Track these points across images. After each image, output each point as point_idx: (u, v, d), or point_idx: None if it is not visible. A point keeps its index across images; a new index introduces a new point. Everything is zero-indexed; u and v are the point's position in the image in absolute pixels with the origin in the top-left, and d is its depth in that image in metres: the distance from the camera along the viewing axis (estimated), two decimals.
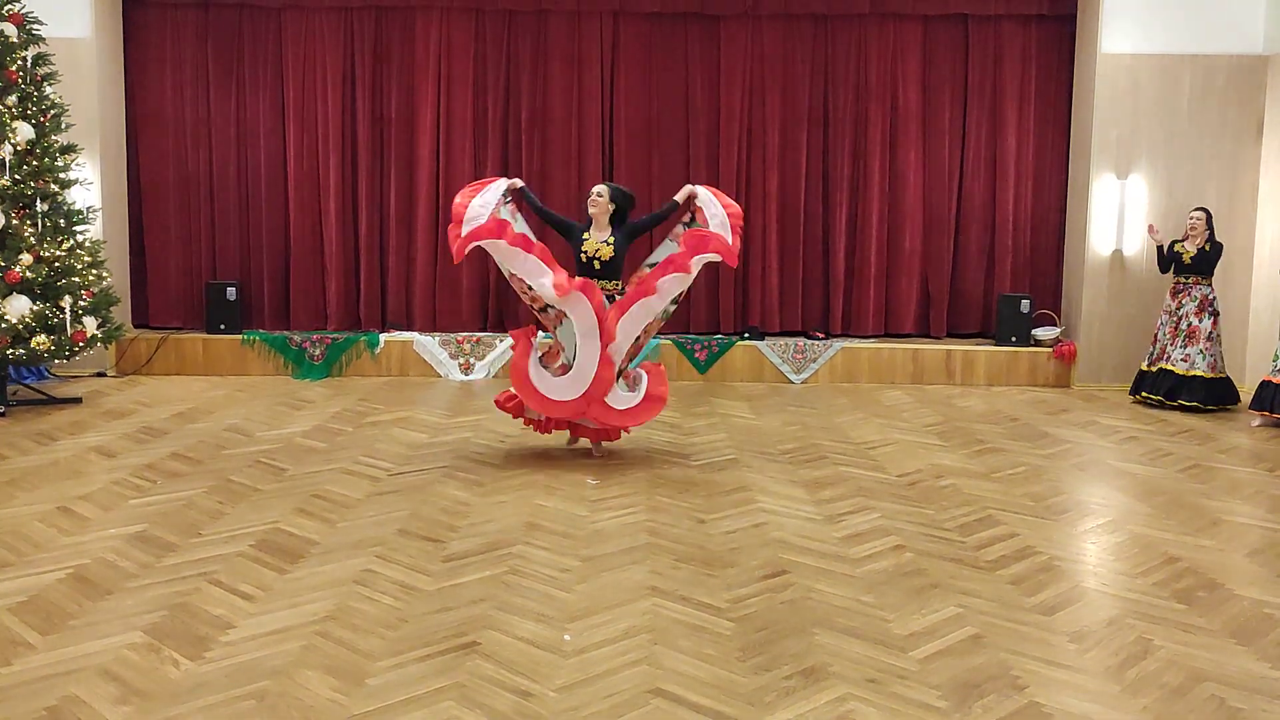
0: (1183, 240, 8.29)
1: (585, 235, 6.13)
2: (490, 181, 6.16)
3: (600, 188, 6.21)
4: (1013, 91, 9.58)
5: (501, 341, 9.24)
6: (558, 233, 6.38)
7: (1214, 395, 8.04)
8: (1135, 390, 8.45)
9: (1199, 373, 8.02)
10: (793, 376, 9.24)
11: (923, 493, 5.69)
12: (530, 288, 5.94)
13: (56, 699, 3.23)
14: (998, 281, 9.73)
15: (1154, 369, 8.28)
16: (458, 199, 5.99)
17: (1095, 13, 8.95)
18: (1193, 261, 8.17)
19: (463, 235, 5.86)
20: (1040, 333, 9.34)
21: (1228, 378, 8.17)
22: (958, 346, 9.33)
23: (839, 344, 9.31)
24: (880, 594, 4.17)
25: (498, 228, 5.86)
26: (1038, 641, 3.74)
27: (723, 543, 4.77)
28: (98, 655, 3.53)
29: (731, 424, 7.41)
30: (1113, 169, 9.00)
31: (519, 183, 6.23)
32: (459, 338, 9.28)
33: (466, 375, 9.20)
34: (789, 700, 3.28)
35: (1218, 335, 8.13)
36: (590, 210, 6.17)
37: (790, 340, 9.40)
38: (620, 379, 6.16)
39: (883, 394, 8.73)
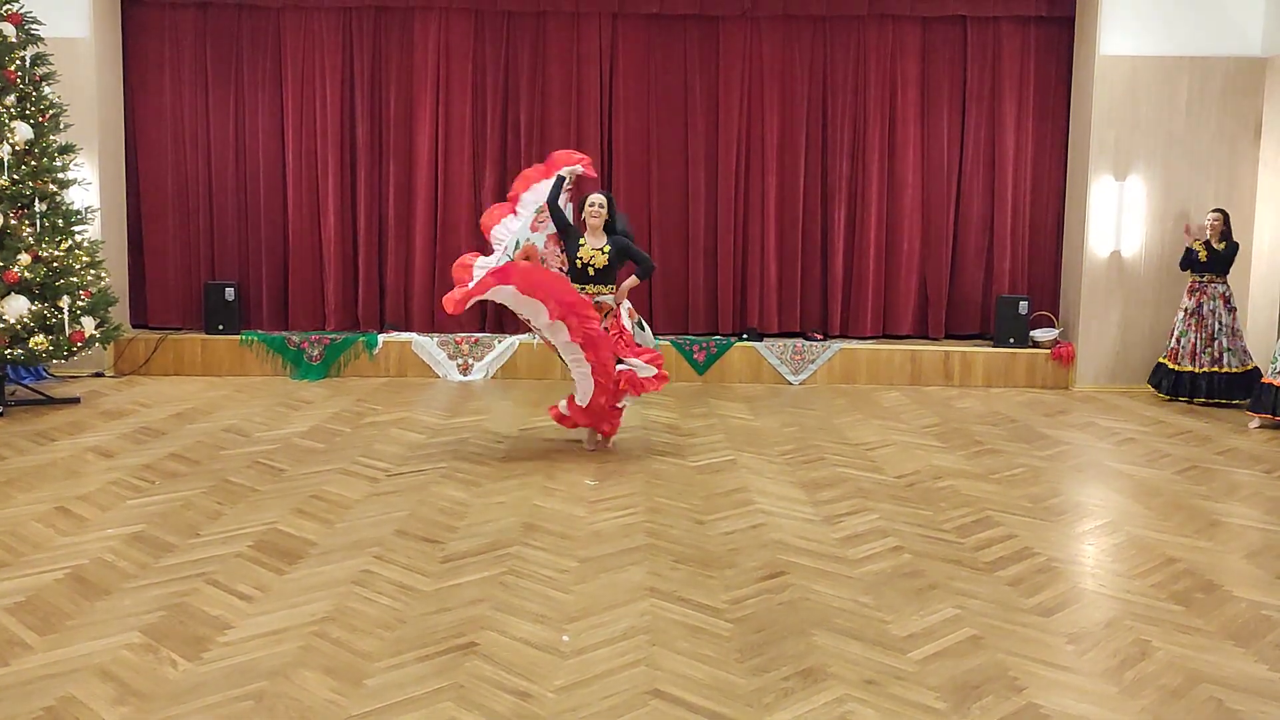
0: (1199, 240, 8.45)
1: (582, 241, 6.36)
2: (509, 210, 6.46)
3: (599, 197, 6.41)
4: (1011, 93, 9.59)
5: (500, 342, 9.24)
6: (557, 230, 6.49)
7: (1239, 391, 8.28)
8: (1159, 386, 8.58)
9: (1233, 369, 8.28)
10: (791, 378, 9.24)
11: (921, 494, 5.69)
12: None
13: (54, 699, 3.23)
14: (996, 283, 9.74)
15: (1184, 368, 8.41)
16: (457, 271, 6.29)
17: (1094, 14, 8.96)
18: (1209, 260, 8.37)
19: (467, 289, 6.00)
20: (1038, 334, 9.35)
21: (1257, 368, 8.34)
22: (956, 348, 9.33)
23: (837, 345, 9.31)
24: (878, 595, 4.17)
25: (500, 274, 5.93)
26: (1036, 643, 3.75)
27: (721, 544, 4.78)
28: (95, 655, 3.52)
29: (730, 425, 7.41)
30: (1111, 170, 9.00)
31: (577, 172, 6.46)
32: (457, 338, 9.28)
33: (465, 376, 9.20)
34: (787, 701, 3.28)
35: (1240, 330, 8.43)
36: (590, 220, 6.39)
37: (788, 341, 9.40)
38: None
39: (881, 395, 8.74)
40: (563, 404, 6.39)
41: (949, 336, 9.81)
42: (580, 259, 6.30)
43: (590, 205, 6.37)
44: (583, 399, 6.19)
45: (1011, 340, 9.27)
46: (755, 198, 9.65)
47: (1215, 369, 8.30)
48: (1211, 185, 8.93)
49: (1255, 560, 4.71)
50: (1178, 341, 8.48)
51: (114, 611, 3.90)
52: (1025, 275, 9.76)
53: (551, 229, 6.51)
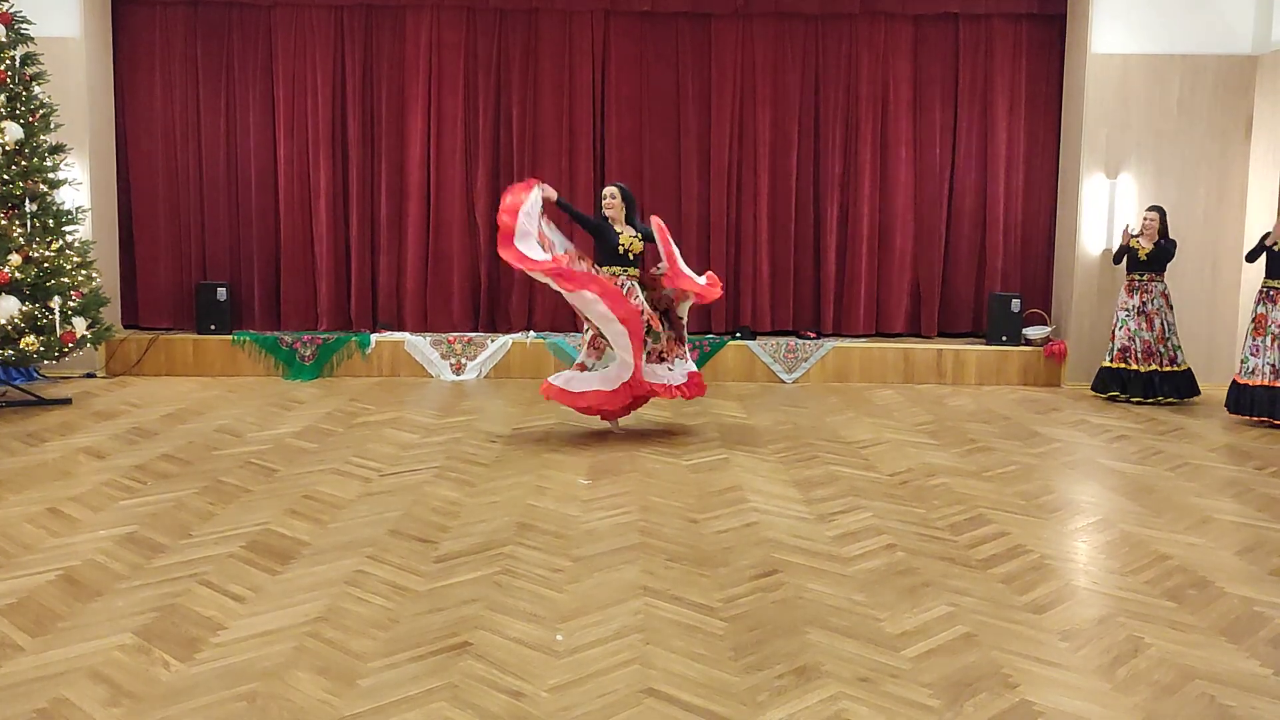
0: (1137, 237, 8.46)
1: (619, 230, 6.76)
2: (526, 188, 6.46)
3: (612, 189, 6.85)
4: (1003, 90, 9.61)
5: (493, 341, 9.23)
6: (590, 231, 6.89)
7: (1184, 388, 8.37)
8: (1103, 389, 8.55)
9: (1174, 368, 8.33)
10: (784, 376, 9.25)
11: (914, 492, 5.70)
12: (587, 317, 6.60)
13: (46, 701, 3.21)
14: (988, 281, 9.76)
15: (1123, 367, 8.43)
16: (504, 216, 6.29)
17: (1085, 12, 8.98)
18: (1148, 258, 8.38)
19: (523, 257, 6.24)
20: (1031, 332, 9.37)
21: (1189, 370, 8.41)
22: (949, 346, 9.35)
23: (830, 343, 9.33)
24: (872, 593, 4.17)
25: (554, 266, 6.28)
26: (1029, 640, 3.75)
27: (715, 542, 4.78)
28: (88, 657, 3.51)
29: (723, 423, 7.41)
30: (1102, 168, 9.03)
31: (554, 195, 6.63)
32: (450, 338, 9.27)
33: (458, 375, 9.19)
34: (781, 699, 3.28)
35: (1176, 328, 8.46)
36: (608, 212, 6.78)
37: (782, 340, 9.41)
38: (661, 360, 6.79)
39: (874, 393, 8.75)
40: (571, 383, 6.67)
41: (941, 334, 9.84)
42: (622, 245, 6.71)
43: (605, 198, 6.79)
44: (613, 381, 6.57)
45: (1004, 338, 9.29)
46: (748, 195, 9.66)
47: (1173, 368, 8.31)
48: (1202, 183, 8.96)
49: (1247, 556, 4.73)
50: (1130, 341, 8.41)
51: (106, 613, 3.88)
52: (1018, 273, 9.78)
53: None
